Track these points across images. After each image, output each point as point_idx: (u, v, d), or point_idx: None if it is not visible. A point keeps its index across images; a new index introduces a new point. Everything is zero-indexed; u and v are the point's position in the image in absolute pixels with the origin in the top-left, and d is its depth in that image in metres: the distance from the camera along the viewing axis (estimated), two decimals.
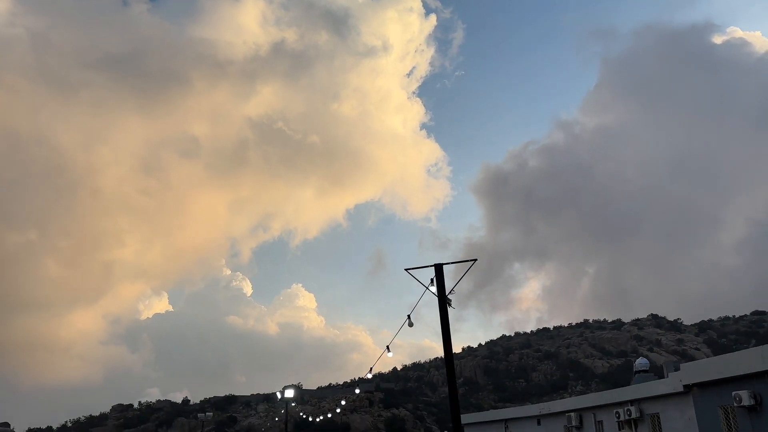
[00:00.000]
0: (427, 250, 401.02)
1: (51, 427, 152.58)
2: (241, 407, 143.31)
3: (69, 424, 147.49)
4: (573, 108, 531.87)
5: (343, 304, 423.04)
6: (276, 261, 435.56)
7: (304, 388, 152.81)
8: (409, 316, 15.03)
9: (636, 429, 27.49)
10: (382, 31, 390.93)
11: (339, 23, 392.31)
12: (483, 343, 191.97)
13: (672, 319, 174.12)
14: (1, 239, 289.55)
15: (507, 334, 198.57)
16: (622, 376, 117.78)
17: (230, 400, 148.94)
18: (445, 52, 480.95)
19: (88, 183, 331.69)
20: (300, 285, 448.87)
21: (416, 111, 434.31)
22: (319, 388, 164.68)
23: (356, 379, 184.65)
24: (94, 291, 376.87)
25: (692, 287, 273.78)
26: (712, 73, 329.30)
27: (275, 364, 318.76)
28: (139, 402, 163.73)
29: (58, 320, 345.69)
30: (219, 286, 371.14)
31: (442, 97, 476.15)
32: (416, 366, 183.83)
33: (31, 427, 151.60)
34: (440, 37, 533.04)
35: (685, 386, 23.58)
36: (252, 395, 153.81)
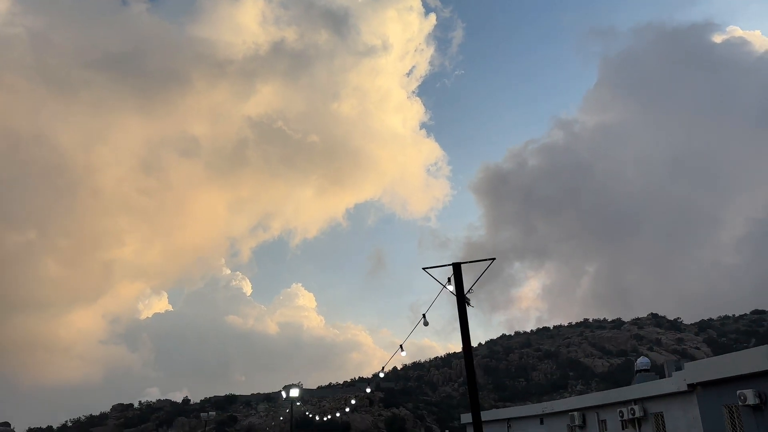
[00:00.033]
0: (427, 249, 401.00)
1: (51, 426, 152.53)
2: (241, 407, 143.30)
3: (69, 424, 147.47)
4: (573, 107, 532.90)
5: (343, 303, 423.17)
6: (276, 260, 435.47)
7: (304, 387, 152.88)
8: (424, 315, 15.10)
9: (639, 428, 27.56)
10: (382, 31, 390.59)
11: (339, 22, 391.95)
12: (483, 343, 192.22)
13: (672, 319, 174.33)
14: (0, 239, 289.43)
15: (507, 334, 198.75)
16: (622, 376, 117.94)
17: (230, 399, 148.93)
18: (444, 52, 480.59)
19: (87, 183, 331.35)
20: (300, 284, 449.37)
21: (416, 110, 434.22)
22: (319, 388, 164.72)
23: (356, 378, 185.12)
24: (93, 291, 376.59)
25: (692, 286, 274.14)
26: (711, 72, 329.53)
27: (275, 364, 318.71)
28: (140, 401, 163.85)
29: (58, 320, 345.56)
30: (219, 285, 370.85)
31: (441, 96, 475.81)
32: (416, 365, 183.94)
33: (32, 427, 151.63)
34: (440, 37, 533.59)
35: (689, 385, 23.63)
36: (252, 395, 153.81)
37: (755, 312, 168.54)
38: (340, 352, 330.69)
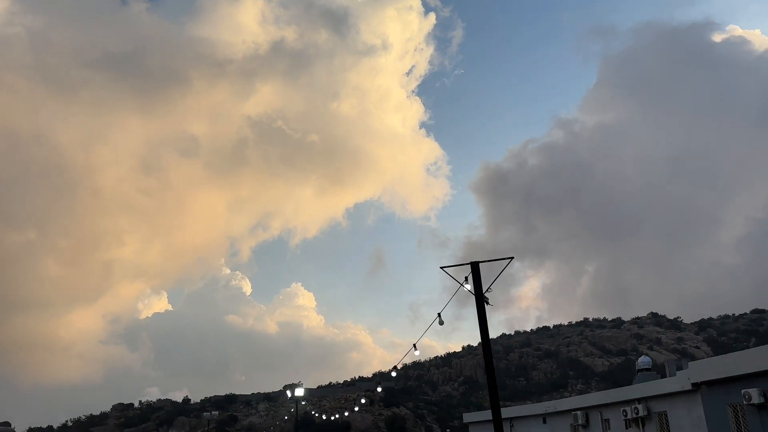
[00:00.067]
0: (427, 249, 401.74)
1: (52, 426, 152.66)
2: (241, 406, 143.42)
3: (70, 424, 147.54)
4: (572, 106, 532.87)
5: (343, 303, 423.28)
6: (275, 260, 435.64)
7: (304, 387, 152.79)
8: (439, 315, 15.14)
9: (643, 427, 27.62)
10: (382, 30, 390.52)
11: (338, 22, 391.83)
12: None
13: (672, 318, 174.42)
14: (0, 239, 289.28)
15: (507, 333, 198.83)
16: (622, 375, 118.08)
17: (231, 399, 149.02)
18: (444, 51, 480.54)
19: (87, 182, 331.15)
20: (299, 284, 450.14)
21: (416, 110, 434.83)
22: (320, 387, 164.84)
23: (356, 377, 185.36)
24: (93, 290, 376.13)
25: (692, 286, 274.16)
26: (711, 71, 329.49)
27: (275, 363, 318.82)
28: (140, 401, 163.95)
29: (58, 320, 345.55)
30: (218, 285, 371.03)
31: (441, 95, 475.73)
32: (416, 365, 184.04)
33: (32, 427, 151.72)
34: (440, 36, 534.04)
35: (693, 384, 23.68)
36: (252, 394, 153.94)
37: (755, 311, 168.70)
38: (340, 352, 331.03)
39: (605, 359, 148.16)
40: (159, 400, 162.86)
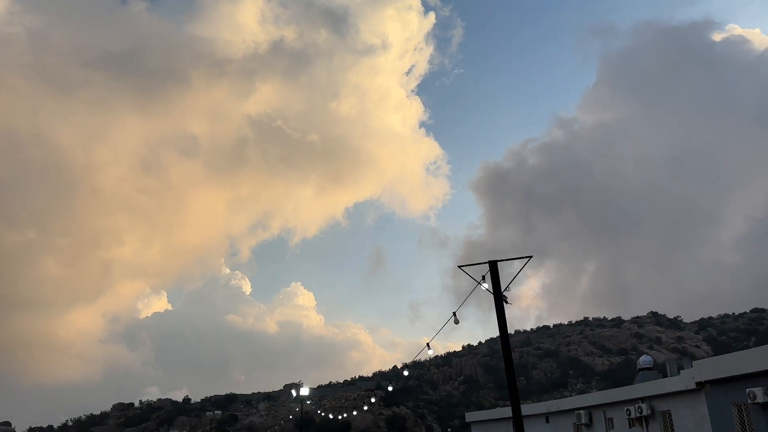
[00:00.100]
0: (427, 248, 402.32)
1: (52, 426, 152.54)
2: (241, 406, 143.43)
3: (70, 423, 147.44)
4: (572, 106, 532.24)
5: (343, 302, 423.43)
6: (275, 259, 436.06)
7: (304, 386, 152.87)
8: (454, 314, 15.16)
9: (647, 426, 27.67)
10: (381, 29, 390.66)
11: (338, 21, 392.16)
12: (483, 341, 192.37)
13: (672, 317, 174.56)
14: (0, 239, 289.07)
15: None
16: (622, 374, 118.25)
17: (231, 398, 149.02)
18: (444, 50, 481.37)
19: (87, 182, 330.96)
20: (299, 283, 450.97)
21: (415, 109, 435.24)
22: (319, 387, 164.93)
23: (356, 377, 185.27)
24: (93, 290, 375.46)
25: (692, 285, 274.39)
26: (711, 70, 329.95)
27: (275, 363, 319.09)
28: (140, 401, 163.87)
29: (58, 319, 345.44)
30: (218, 284, 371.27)
31: (441, 95, 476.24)
32: (416, 364, 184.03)
33: (32, 426, 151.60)
34: (439, 35, 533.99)
35: (697, 383, 23.73)
36: (253, 394, 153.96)
37: (755, 310, 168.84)
38: (340, 351, 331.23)
39: (605, 358, 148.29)
40: (159, 400, 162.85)
